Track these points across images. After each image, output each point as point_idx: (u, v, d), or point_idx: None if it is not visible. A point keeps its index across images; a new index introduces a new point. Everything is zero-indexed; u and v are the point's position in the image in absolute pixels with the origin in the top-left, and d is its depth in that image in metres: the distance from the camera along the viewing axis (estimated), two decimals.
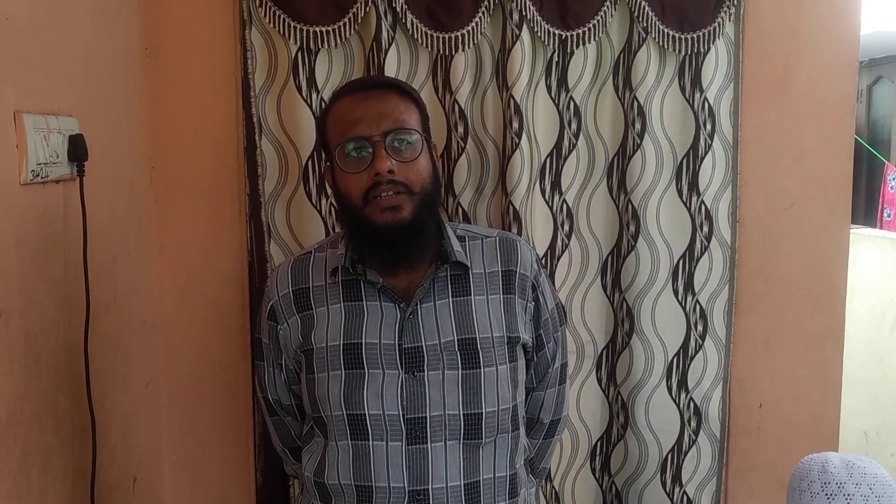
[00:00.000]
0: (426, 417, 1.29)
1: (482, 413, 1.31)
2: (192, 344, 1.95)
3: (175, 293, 1.93)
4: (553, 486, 1.98)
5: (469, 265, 1.37)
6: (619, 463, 2.00)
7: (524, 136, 1.82)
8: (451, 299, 1.35)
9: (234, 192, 1.91)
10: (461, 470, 1.31)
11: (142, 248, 1.82)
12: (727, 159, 1.91)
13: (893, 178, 4.64)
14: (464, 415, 1.31)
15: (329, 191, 1.85)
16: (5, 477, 1.17)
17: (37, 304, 1.28)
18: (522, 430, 1.43)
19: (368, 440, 1.30)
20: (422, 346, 1.31)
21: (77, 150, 1.37)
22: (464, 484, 1.31)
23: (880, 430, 3.23)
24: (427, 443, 1.29)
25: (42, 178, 1.28)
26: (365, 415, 1.30)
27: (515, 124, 1.81)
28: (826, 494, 1.43)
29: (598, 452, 2.02)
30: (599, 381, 1.99)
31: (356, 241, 1.35)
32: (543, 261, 1.91)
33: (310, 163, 1.84)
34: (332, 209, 1.86)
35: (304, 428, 1.46)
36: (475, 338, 1.33)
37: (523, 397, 1.43)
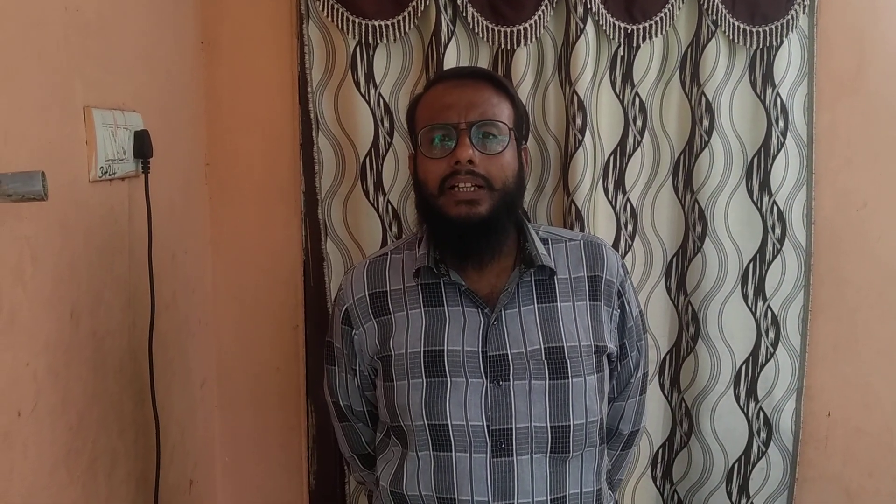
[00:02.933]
0: (512, 429, 1.23)
1: (570, 426, 1.25)
2: (245, 344, 1.92)
3: (229, 292, 1.90)
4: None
5: (555, 269, 1.31)
6: (681, 471, 1.94)
7: (587, 132, 1.77)
8: (535, 305, 1.28)
9: (289, 189, 1.87)
10: (548, 484, 1.25)
11: (197, 247, 1.79)
12: (801, 158, 1.84)
13: None
14: (551, 427, 1.24)
15: (386, 188, 1.81)
16: (76, 483, 1.14)
17: (104, 304, 1.25)
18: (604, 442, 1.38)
19: (451, 451, 1.24)
20: (507, 354, 1.25)
21: (143, 146, 1.34)
22: (550, 499, 1.25)
23: None
24: (513, 455, 1.23)
25: (110, 175, 1.24)
26: (448, 425, 1.24)
27: (579, 121, 1.76)
28: None
29: (659, 460, 1.96)
30: (662, 386, 1.93)
31: (432, 234, 1.29)
32: None
33: (367, 160, 1.80)
34: (390, 207, 1.82)
35: (377, 435, 1.40)
36: (562, 346, 1.26)
37: (607, 409, 1.37)
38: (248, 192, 1.88)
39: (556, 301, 1.29)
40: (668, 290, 1.90)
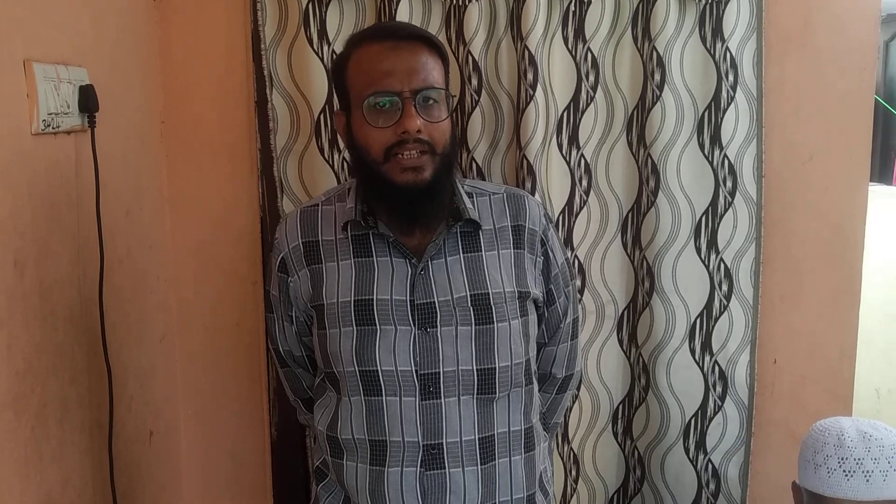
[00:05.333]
0: (439, 373, 1.28)
1: (495, 368, 1.30)
2: (205, 299, 1.95)
3: (187, 249, 1.92)
4: (572, 449, 1.96)
5: (480, 222, 1.34)
6: (640, 427, 1.97)
7: (539, 88, 1.78)
8: (461, 255, 1.32)
9: (245, 147, 1.88)
10: (475, 424, 1.30)
11: (154, 203, 1.81)
12: (751, 112, 1.86)
13: None
14: (477, 370, 1.29)
15: (341, 145, 1.82)
16: (24, 425, 1.17)
17: (51, 255, 1.27)
18: (536, 384, 1.42)
19: (382, 396, 1.29)
20: (434, 303, 1.29)
21: (88, 100, 1.35)
22: (478, 438, 1.30)
23: (892, 388, 3.21)
24: (441, 398, 1.28)
25: (53, 128, 1.26)
26: (377, 371, 1.28)
27: (530, 76, 1.77)
28: (844, 471, 1.35)
29: (619, 416, 1.99)
30: (620, 342, 1.96)
31: (370, 195, 1.31)
32: (561, 218, 1.88)
33: (322, 116, 1.81)
34: (345, 163, 1.84)
35: (316, 380, 1.45)
36: (487, 293, 1.31)
37: (535, 352, 1.42)
38: (205, 149, 1.89)
39: (481, 251, 1.33)
40: (625, 245, 1.93)
